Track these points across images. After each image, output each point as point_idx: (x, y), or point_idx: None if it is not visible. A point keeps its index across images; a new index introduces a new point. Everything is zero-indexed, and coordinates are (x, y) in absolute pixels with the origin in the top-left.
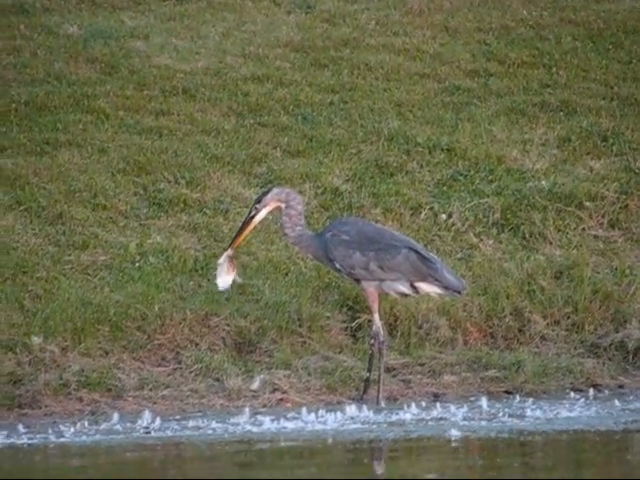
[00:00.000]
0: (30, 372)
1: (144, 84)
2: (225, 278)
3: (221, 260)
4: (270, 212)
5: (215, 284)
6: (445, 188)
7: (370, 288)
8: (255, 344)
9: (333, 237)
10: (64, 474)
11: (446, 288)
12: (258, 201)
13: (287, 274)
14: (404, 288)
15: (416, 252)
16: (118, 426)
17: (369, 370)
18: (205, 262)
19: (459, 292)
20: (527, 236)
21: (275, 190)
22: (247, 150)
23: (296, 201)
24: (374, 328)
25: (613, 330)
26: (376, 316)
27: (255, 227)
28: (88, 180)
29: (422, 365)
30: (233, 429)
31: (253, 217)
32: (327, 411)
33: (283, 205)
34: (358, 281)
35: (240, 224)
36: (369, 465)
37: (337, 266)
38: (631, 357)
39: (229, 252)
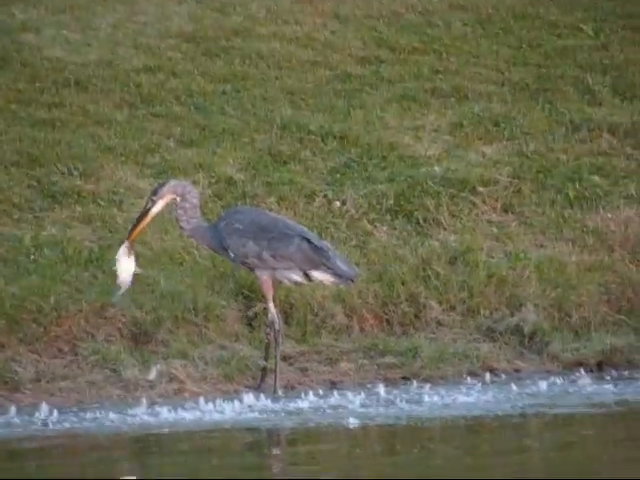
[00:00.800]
0: None
1: (36, 76)
2: (125, 275)
3: (119, 254)
4: (166, 204)
5: (116, 285)
6: (338, 175)
7: (264, 276)
8: (151, 334)
9: (227, 226)
10: None
11: (339, 276)
12: (154, 193)
13: (182, 264)
14: (297, 277)
15: (308, 241)
16: (16, 419)
17: (266, 359)
18: (100, 253)
19: (352, 280)
20: (421, 222)
21: (172, 182)
22: (140, 141)
23: (192, 194)
24: (269, 316)
25: (508, 314)
26: (271, 304)
27: (152, 219)
28: None
29: (319, 353)
30: (131, 420)
31: (149, 209)
32: (225, 400)
33: (179, 198)
34: (252, 270)
35: (136, 216)
36: (267, 454)
37: (231, 255)
38: (527, 341)
39: (126, 244)
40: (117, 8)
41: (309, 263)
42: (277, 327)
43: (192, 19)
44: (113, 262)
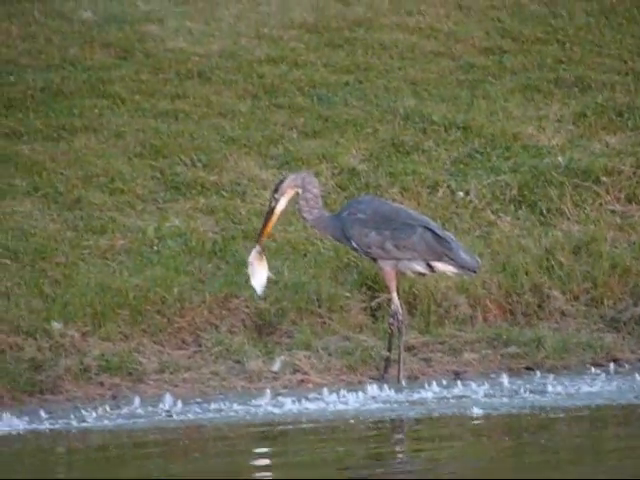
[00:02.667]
0: (51, 357)
1: (159, 68)
2: (259, 278)
3: (250, 258)
4: (289, 199)
5: (253, 288)
6: (462, 166)
7: (387, 267)
8: (275, 325)
9: (349, 216)
10: (87, 459)
11: (462, 267)
12: (275, 190)
13: (305, 255)
14: (420, 267)
15: (431, 231)
16: (140, 410)
17: (389, 349)
18: (224, 244)
19: (474, 271)
20: (544, 212)
21: (291, 176)
22: (263, 132)
23: (312, 184)
24: (393, 307)
25: (632, 304)
26: (394, 295)
27: (278, 218)
28: (105, 165)
29: (442, 343)
30: (255, 411)
31: (274, 208)
32: (348, 391)
33: (300, 190)
34: (375, 260)
35: (263, 217)
36: (392, 444)
37: (354, 245)
38: None
39: (257, 248)
40: None
41: (432, 254)
42: (400, 317)
43: (315, 9)
44: (245, 264)
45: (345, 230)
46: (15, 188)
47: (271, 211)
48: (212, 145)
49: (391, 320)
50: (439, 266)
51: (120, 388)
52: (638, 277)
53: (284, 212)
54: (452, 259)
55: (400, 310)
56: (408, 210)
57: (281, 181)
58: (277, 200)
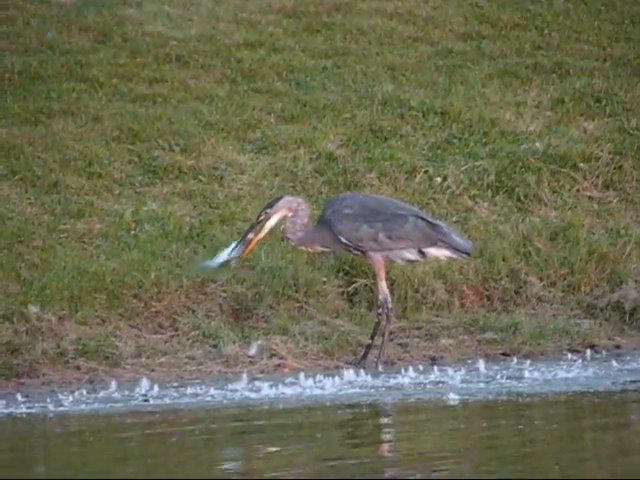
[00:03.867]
0: (28, 341)
1: (137, 52)
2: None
3: (225, 254)
4: (280, 219)
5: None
6: (439, 151)
7: (377, 256)
8: (252, 310)
9: (336, 213)
10: (64, 443)
11: (455, 250)
12: (270, 206)
13: (283, 239)
14: (411, 255)
15: (423, 219)
16: (116, 394)
17: (372, 337)
18: (201, 229)
19: (468, 253)
20: (522, 198)
21: (287, 198)
22: (241, 116)
23: (304, 212)
24: (381, 296)
25: (609, 291)
26: (383, 283)
27: (267, 234)
28: (83, 148)
29: (419, 329)
30: (231, 395)
31: (263, 222)
32: (325, 376)
33: (291, 214)
34: (364, 253)
35: (246, 229)
36: (369, 430)
37: (343, 240)
38: (627, 317)
39: (234, 254)
40: None
41: (426, 240)
42: (390, 305)
43: None
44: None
45: (333, 226)
46: None
47: (259, 225)
48: (190, 129)
49: (380, 310)
50: (432, 251)
51: (97, 372)
52: (615, 263)
53: (272, 231)
54: (447, 243)
55: (389, 298)
56: (393, 200)
57: (277, 199)
58: (268, 215)
